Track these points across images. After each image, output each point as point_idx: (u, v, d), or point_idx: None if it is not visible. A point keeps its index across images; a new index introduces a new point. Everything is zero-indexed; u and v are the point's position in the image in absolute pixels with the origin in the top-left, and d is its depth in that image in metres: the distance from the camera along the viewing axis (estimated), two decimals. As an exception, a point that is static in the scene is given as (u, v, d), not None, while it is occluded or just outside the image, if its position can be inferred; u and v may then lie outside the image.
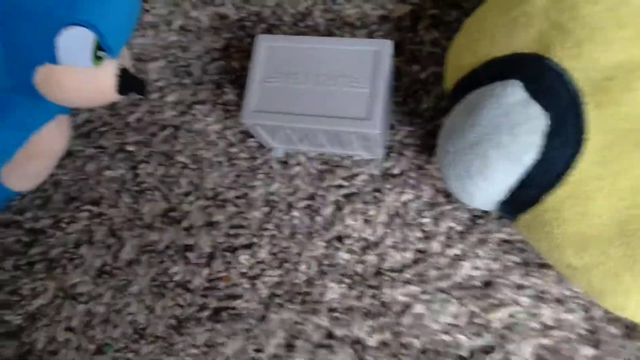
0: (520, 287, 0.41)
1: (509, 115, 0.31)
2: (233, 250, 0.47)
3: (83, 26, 0.36)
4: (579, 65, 0.30)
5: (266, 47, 0.41)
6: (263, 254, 0.46)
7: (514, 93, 0.31)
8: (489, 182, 0.33)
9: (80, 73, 0.38)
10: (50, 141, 0.48)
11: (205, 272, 0.47)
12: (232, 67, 0.51)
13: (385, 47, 0.39)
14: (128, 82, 0.42)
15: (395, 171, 0.46)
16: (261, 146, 0.49)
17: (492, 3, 0.37)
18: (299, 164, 0.48)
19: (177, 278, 0.47)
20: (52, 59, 0.37)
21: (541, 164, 0.30)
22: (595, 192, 0.29)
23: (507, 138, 0.31)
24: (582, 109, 0.29)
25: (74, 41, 0.36)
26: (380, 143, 0.42)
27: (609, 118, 0.28)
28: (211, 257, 0.47)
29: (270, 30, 0.51)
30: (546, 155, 0.30)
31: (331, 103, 0.39)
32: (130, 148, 0.51)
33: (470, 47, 0.35)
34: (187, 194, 0.49)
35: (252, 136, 0.49)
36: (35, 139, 0.46)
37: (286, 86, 0.40)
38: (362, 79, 0.39)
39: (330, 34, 0.50)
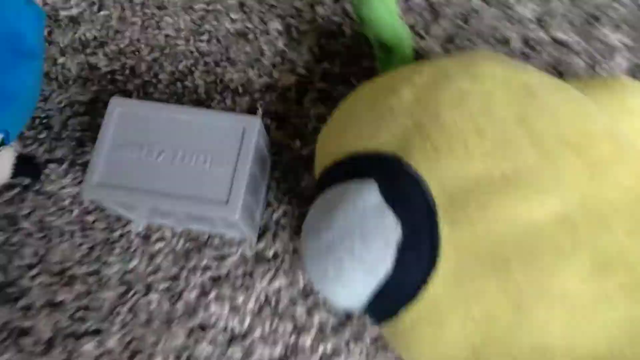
0: (390, 390, 0.38)
1: (363, 221, 0.28)
2: (77, 337, 0.41)
3: None
4: (436, 174, 0.27)
5: (120, 112, 0.37)
6: (112, 343, 0.40)
7: (369, 196, 0.28)
8: (347, 289, 0.30)
9: None
10: None
11: (41, 363, 0.40)
12: (96, 124, 0.46)
13: (253, 125, 0.36)
14: (24, 168, 0.42)
15: (269, 254, 0.42)
16: (120, 217, 0.43)
17: (365, 91, 0.35)
18: (162, 239, 0.43)
19: (6, 369, 0.40)
20: None
21: (395, 278, 0.28)
22: (450, 315, 0.26)
23: (360, 246, 0.28)
24: (437, 223, 0.27)
25: None
26: (246, 227, 0.38)
27: (463, 237, 0.26)
28: (50, 344, 0.40)
29: (144, 86, 0.46)
30: (400, 269, 0.27)
31: (188, 182, 0.35)
32: (-34, 209, 0.44)
33: (336, 137, 0.33)
34: (29, 267, 0.42)
35: (113, 204, 0.44)
36: None
37: (139, 158, 0.36)
38: (225, 158, 0.35)
39: (209, 97, 0.46)
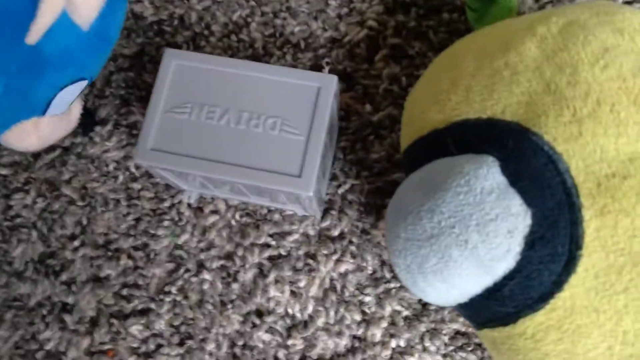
0: (473, 393, 0.34)
1: (481, 206, 0.22)
2: (123, 317, 0.37)
3: (84, 79, 0.33)
4: (579, 152, 0.22)
5: (177, 65, 0.32)
6: (161, 325, 0.37)
7: (489, 175, 0.23)
8: (448, 284, 0.25)
9: (58, 120, 0.35)
10: None
11: (86, 342, 0.37)
12: (143, 81, 0.41)
13: (329, 85, 0.31)
14: (87, 120, 0.39)
15: (335, 233, 0.37)
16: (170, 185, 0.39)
17: (469, 43, 0.29)
18: (216, 212, 0.38)
19: (48, 347, 0.37)
20: (41, 112, 0.33)
21: (518, 278, 0.22)
22: (590, 329, 0.21)
23: (476, 237, 0.22)
24: (579, 213, 0.21)
25: (70, 93, 0.33)
26: (315, 202, 0.33)
27: (616, 232, 0.21)
28: (94, 323, 0.37)
29: (194, 39, 0.41)
30: (526, 267, 0.22)
31: (255, 150, 0.30)
32: (3, 171, 0.40)
33: (435, 100, 0.27)
34: (71, 238, 0.39)
35: (161, 171, 0.39)
36: None
37: (197, 121, 0.31)
38: (297, 122, 0.30)
39: (267, 53, 0.40)
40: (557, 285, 0.22)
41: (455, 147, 0.25)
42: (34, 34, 0.27)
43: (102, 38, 0.32)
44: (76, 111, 0.37)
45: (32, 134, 0.35)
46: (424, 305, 0.36)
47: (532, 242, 0.22)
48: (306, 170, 0.29)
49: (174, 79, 0.31)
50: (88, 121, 0.40)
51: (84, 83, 0.34)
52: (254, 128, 0.30)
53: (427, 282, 0.25)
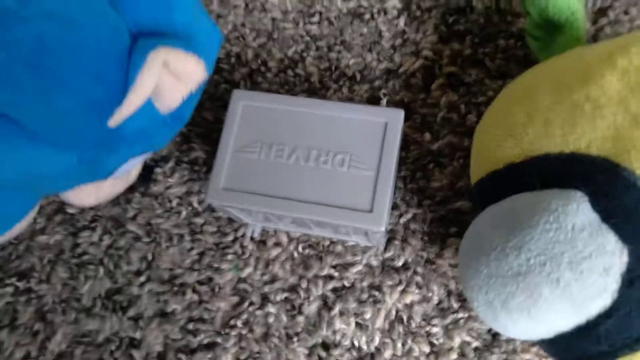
0: None
1: (573, 243, 0.22)
2: (190, 351, 0.37)
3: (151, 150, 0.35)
4: (675, 186, 0.21)
5: (245, 106, 0.32)
6: (228, 359, 0.37)
7: (579, 212, 0.22)
8: (535, 322, 0.24)
9: (119, 181, 0.38)
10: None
11: (154, 377, 0.37)
12: (203, 118, 0.42)
13: (397, 119, 0.31)
14: (146, 175, 0.41)
15: (399, 263, 0.37)
16: (233, 219, 0.40)
17: (542, 74, 0.28)
18: (279, 244, 0.39)
19: (117, 382, 0.37)
20: (105, 177, 0.35)
21: (616, 316, 0.22)
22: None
23: (569, 275, 0.22)
24: (681, 249, 0.21)
25: (136, 161, 0.35)
26: (385, 233, 0.33)
27: None
28: (162, 358, 0.38)
29: (251, 76, 0.42)
30: (624, 305, 0.22)
31: (325, 187, 0.30)
32: (70, 210, 0.41)
33: (510, 132, 0.27)
34: (137, 273, 0.40)
35: (222, 205, 0.40)
36: None
37: (267, 160, 0.31)
38: (367, 158, 0.30)
39: (324, 86, 0.41)
40: (659, 324, 0.21)
41: (536, 183, 0.25)
42: (117, 119, 0.27)
43: (176, 118, 0.32)
44: (136, 171, 0.38)
45: (92, 195, 0.37)
46: (494, 335, 0.35)
47: (630, 280, 0.21)
48: (377, 205, 0.29)
49: (242, 119, 0.32)
50: (146, 176, 0.41)
51: (150, 153, 0.34)
52: (322, 165, 0.31)
53: (511, 318, 0.25)
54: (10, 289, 0.40)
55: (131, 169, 0.36)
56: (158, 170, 0.41)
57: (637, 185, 0.22)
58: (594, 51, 0.27)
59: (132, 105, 0.27)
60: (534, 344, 0.34)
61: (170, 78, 0.28)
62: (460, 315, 0.36)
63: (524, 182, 0.26)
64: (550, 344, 0.26)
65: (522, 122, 0.27)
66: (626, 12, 0.40)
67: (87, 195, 0.37)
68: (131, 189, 0.41)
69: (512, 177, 0.27)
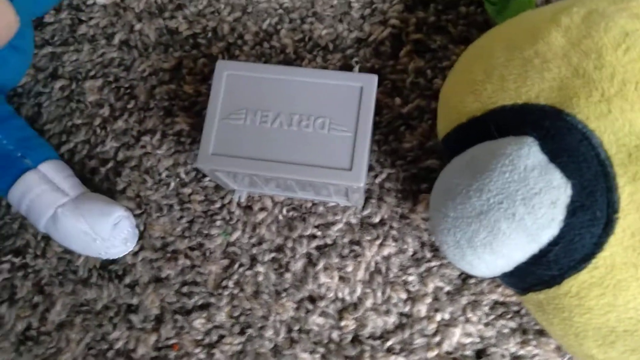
0: (517, 358, 0.37)
1: (525, 182, 0.25)
2: (186, 312, 0.40)
3: None
4: (610, 128, 0.24)
5: (229, 75, 0.34)
6: (222, 317, 0.40)
7: (530, 154, 0.25)
8: (497, 255, 0.27)
9: None
10: None
11: (152, 338, 0.40)
12: (184, 92, 0.44)
13: (371, 83, 0.33)
14: None
15: (376, 220, 0.40)
16: (219, 187, 0.42)
17: (497, 35, 0.31)
18: (264, 209, 0.41)
19: (118, 345, 0.40)
20: None
21: (562, 243, 0.25)
22: (629, 282, 0.24)
23: (522, 209, 0.25)
24: (614, 181, 0.24)
25: None
26: (362, 192, 0.36)
27: (649, 195, 0.23)
28: (159, 320, 0.40)
29: (229, 49, 0.44)
30: (569, 232, 0.25)
31: (307, 149, 0.33)
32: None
33: (471, 89, 0.30)
34: (130, 243, 0.42)
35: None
36: None
37: (252, 125, 0.33)
38: (345, 120, 0.33)
39: (299, 57, 0.43)
40: (598, 246, 0.24)
41: (494, 132, 0.28)
42: None
43: None
44: None
45: None
46: (464, 280, 0.39)
47: (573, 210, 0.25)
48: (356, 163, 0.32)
49: (226, 88, 0.34)
50: None
51: None
52: (304, 128, 0.33)
53: (476, 255, 0.28)
54: (6, 266, 0.42)
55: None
56: (142, 142, 0.43)
57: (577, 128, 0.25)
58: (542, 12, 0.30)
59: None
60: (498, 284, 0.38)
61: None
62: (433, 263, 0.39)
63: (485, 132, 0.29)
64: (511, 276, 0.29)
65: (481, 79, 0.29)
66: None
67: None
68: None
69: (475, 129, 0.29)
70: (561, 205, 0.25)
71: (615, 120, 0.25)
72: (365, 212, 0.40)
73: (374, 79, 0.33)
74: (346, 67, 0.43)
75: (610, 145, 0.24)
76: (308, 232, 0.40)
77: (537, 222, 0.25)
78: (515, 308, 0.38)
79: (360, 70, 0.42)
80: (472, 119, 0.30)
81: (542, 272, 0.27)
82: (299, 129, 0.33)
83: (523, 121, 0.27)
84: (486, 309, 0.38)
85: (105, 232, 0.38)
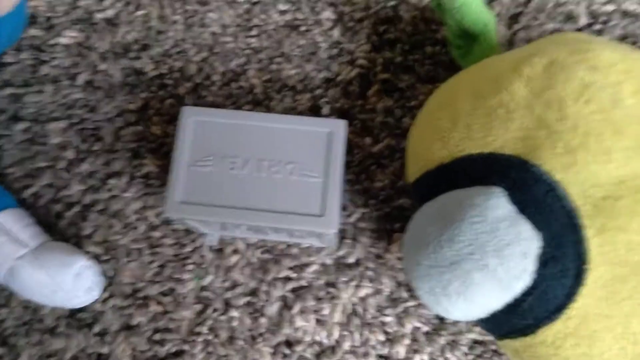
0: (494, 394, 0.37)
1: (495, 233, 0.26)
2: (158, 361, 0.39)
3: None
4: (575, 179, 0.25)
5: (195, 121, 0.34)
6: (196, 364, 0.39)
7: (499, 206, 0.26)
8: (470, 303, 0.28)
9: None
10: None
11: (124, 390, 0.38)
12: (151, 134, 0.43)
13: (339, 129, 0.33)
14: None
15: (351, 260, 0.40)
16: (190, 230, 0.41)
17: (462, 82, 0.32)
18: (237, 252, 0.40)
19: (87, 399, 0.38)
20: None
21: (535, 293, 0.26)
22: (603, 333, 0.25)
23: (494, 261, 0.26)
24: (582, 233, 0.25)
25: None
26: (336, 234, 0.36)
27: (616, 247, 0.24)
28: (131, 371, 0.39)
29: (196, 90, 0.44)
30: (541, 283, 0.25)
31: (278, 195, 0.33)
32: (24, 234, 0.41)
33: (438, 136, 0.30)
34: (98, 291, 0.40)
35: (179, 218, 0.41)
36: None
37: (221, 172, 0.33)
38: (315, 166, 0.33)
39: (267, 97, 0.43)
40: (570, 296, 0.25)
41: (463, 180, 0.28)
42: None
43: None
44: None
45: None
46: (442, 319, 0.39)
47: (544, 261, 0.25)
48: (328, 209, 0.32)
49: (193, 135, 0.34)
50: None
51: None
52: (274, 174, 0.33)
53: (450, 302, 0.28)
54: (-34, 319, 0.40)
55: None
56: (109, 185, 0.42)
57: (543, 179, 0.26)
58: (504, 61, 0.31)
59: None
60: (475, 324, 0.38)
61: None
62: (410, 303, 0.39)
63: (453, 180, 0.29)
64: (487, 322, 0.29)
65: (448, 127, 0.30)
66: (535, 18, 0.44)
67: None
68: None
69: (443, 176, 0.30)
70: (532, 256, 0.25)
71: (579, 172, 0.25)
72: (340, 253, 0.40)
73: (342, 124, 0.33)
74: (315, 107, 0.43)
75: (576, 197, 0.25)
76: (282, 275, 0.40)
77: (510, 272, 0.26)
78: (494, 347, 0.38)
79: (331, 111, 0.42)
80: (440, 166, 0.30)
81: (517, 320, 0.27)
82: (269, 175, 0.33)
83: (490, 171, 0.27)
84: (465, 348, 0.38)
85: (67, 284, 0.37)
